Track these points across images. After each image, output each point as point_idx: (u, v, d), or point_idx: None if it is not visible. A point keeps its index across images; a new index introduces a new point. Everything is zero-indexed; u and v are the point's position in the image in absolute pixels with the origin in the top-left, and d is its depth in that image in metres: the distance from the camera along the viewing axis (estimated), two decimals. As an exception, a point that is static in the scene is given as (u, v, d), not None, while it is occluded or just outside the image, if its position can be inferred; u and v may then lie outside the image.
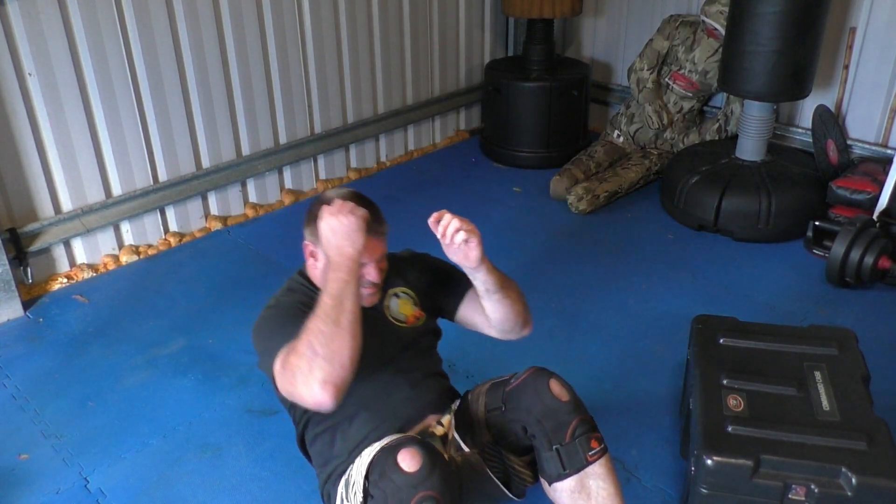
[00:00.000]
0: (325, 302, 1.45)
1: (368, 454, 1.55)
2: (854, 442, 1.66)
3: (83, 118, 2.96)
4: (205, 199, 3.49)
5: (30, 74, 2.79)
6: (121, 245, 3.26)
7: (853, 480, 1.59)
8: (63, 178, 3.00)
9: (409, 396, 1.70)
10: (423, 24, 4.09)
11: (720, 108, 3.92)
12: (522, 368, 1.67)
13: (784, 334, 2.04)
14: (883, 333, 2.68)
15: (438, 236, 1.58)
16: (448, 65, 4.32)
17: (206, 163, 3.43)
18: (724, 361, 1.94)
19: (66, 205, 3.05)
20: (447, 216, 1.58)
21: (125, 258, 3.24)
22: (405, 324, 1.77)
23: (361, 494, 1.50)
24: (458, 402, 1.78)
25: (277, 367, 1.49)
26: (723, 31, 3.46)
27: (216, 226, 3.51)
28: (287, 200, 3.76)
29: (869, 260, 2.85)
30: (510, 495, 1.69)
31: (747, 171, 3.36)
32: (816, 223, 3.18)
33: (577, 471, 1.57)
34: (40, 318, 2.88)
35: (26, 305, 2.91)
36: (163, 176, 3.30)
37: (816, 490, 1.62)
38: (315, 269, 1.70)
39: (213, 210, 3.54)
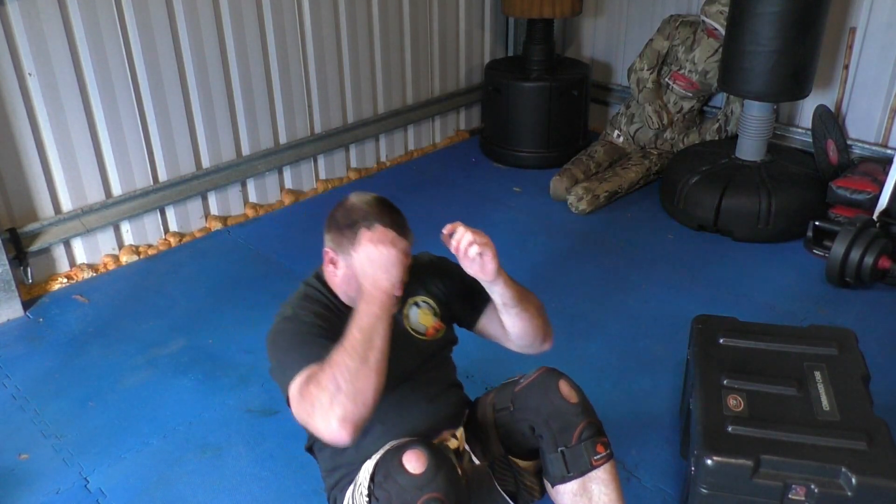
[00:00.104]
0: (354, 336, 1.38)
1: (375, 456, 1.54)
2: (854, 442, 1.66)
3: (83, 118, 2.96)
4: (205, 199, 3.49)
5: (30, 74, 2.79)
6: (121, 245, 3.26)
7: (853, 480, 1.59)
8: (63, 178, 3.00)
9: (426, 410, 1.66)
10: (423, 24, 4.09)
11: (720, 108, 3.92)
12: (531, 369, 1.66)
13: (784, 334, 2.04)
14: (883, 333, 2.68)
15: (452, 250, 1.54)
16: (448, 65, 4.32)
17: (206, 163, 3.43)
18: (724, 361, 1.94)
19: (66, 205, 3.05)
20: (460, 229, 1.53)
21: (125, 258, 3.24)
22: (424, 336, 1.70)
23: (367, 495, 1.49)
24: (467, 410, 1.77)
25: (294, 391, 1.44)
26: (723, 31, 3.46)
27: (216, 226, 3.51)
28: (287, 200, 3.76)
29: (869, 260, 2.85)
30: None
31: (747, 171, 3.36)
32: (816, 223, 3.18)
33: (581, 474, 1.56)
34: (40, 318, 2.88)
35: (26, 305, 2.91)
36: (163, 176, 3.30)
37: (816, 490, 1.62)
38: (335, 277, 1.62)
39: (213, 210, 3.54)
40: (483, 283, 1.59)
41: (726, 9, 3.36)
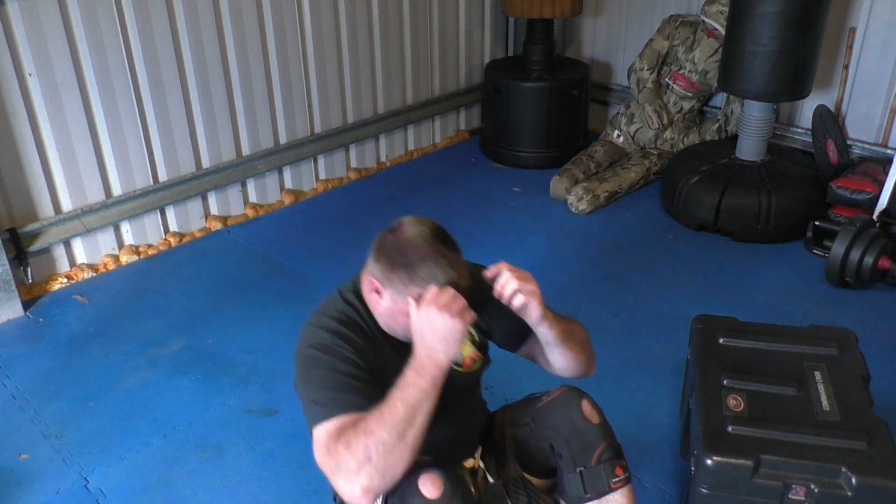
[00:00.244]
0: (397, 409, 1.30)
1: None
2: (854, 442, 1.66)
3: (83, 118, 2.96)
4: (205, 199, 3.49)
5: (30, 74, 2.79)
6: (121, 245, 3.26)
7: (853, 480, 1.59)
8: (63, 178, 3.00)
9: (452, 439, 1.62)
10: (423, 24, 4.09)
11: (720, 108, 3.92)
12: (552, 384, 1.65)
13: (784, 334, 2.04)
14: (883, 333, 2.68)
15: (495, 294, 1.47)
16: (448, 65, 4.32)
17: (206, 163, 3.43)
18: (724, 361, 1.94)
19: (66, 205, 3.05)
20: (505, 274, 1.45)
21: (125, 258, 3.24)
22: (461, 367, 1.59)
23: None
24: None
25: (321, 439, 1.35)
26: (723, 31, 3.46)
27: (216, 226, 3.51)
28: (287, 200, 3.76)
29: (869, 260, 2.85)
30: None
31: (747, 171, 3.36)
32: (816, 223, 3.18)
33: (598, 496, 1.55)
34: (40, 318, 2.88)
35: (26, 305, 2.91)
36: (163, 176, 3.30)
37: (816, 490, 1.62)
38: (378, 306, 1.48)
39: (213, 210, 3.54)
40: (526, 320, 1.52)
41: (726, 9, 3.36)
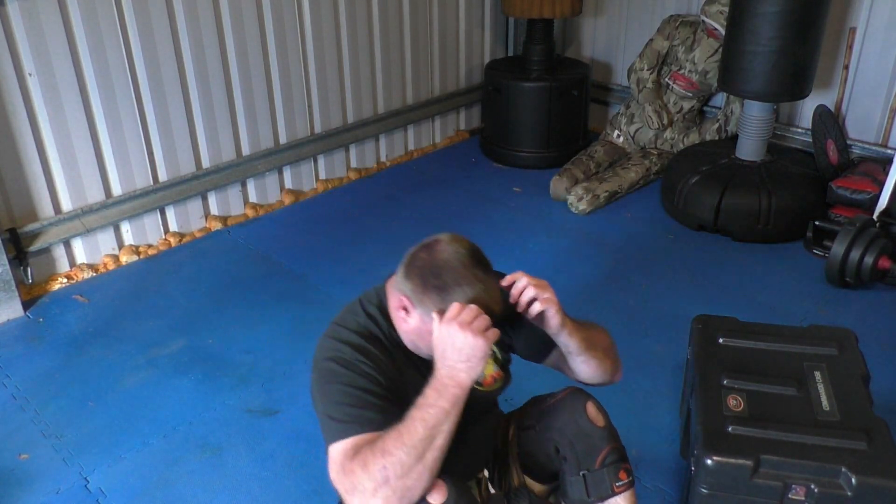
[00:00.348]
0: (417, 430, 1.27)
1: None
2: (854, 442, 1.66)
3: (83, 118, 2.96)
4: (205, 199, 3.49)
5: (30, 74, 2.79)
6: (121, 245, 3.26)
7: (853, 480, 1.59)
8: (63, 178, 3.00)
9: (468, 455, 1.59)
10: (423, 24, 4.09)
11: (720, 108, 3.92)
12: (558, 387, 1.64)
13: (784, 334, 2.04)
14: (883, 333, 2.67)
15: (511, 301, 1.45)
16: (448, 65, 4.32)
17: (206, 163, 3.43)
18: (724, 361, 1.94)
19: (66, 205, 3.05)
20: (521, 280, 1.43)
21: (125, 258, 3.24)
22: (482, 386, 1.53)
23: None
24: None
25: (337, 457, 1.33)
26: (723, 31, 3.46)
27: (216, 226, 3.51)
28: (287, 200, 3.76)
29: (869, 260, 2.85)
30: None
31: (747, 171, 3.36)
32: (816, 223, 3.18)
33: (601, 500, 1.54)
34: (40, 318, 2.88)
35: (26, 305, 2.91)
36: (163, 176, 3.30)
37: (816, 490, 1.62)
38: (403, 323, 1.44)
39: (213, 210, 3.54)
40: (546, 330, 1.51)
41: (726, 9, 3.36)
